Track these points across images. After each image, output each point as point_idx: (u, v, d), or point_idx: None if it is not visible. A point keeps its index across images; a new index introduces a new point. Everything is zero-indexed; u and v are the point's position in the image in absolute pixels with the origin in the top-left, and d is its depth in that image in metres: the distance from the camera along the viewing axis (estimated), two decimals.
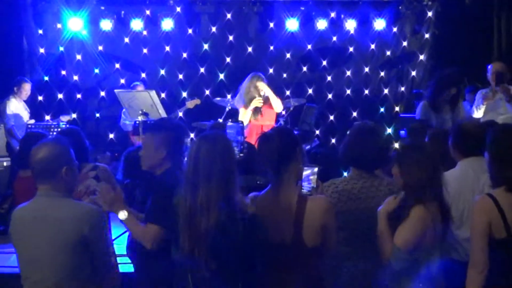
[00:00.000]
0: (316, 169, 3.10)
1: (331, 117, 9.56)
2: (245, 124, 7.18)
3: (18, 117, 7.99)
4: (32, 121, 8.18)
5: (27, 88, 8.14)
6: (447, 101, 5.61)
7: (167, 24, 8.97)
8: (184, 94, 9.25)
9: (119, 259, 3.40)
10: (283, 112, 7.74)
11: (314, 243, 2.82)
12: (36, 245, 2.78)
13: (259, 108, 7.15)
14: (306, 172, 3.06)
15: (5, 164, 8.18)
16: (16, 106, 8.00)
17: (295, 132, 3.08)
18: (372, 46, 9.53)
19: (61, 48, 9.03)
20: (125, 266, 3.99)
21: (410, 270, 2.88)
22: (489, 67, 6.63)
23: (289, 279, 2.83)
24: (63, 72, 9.17)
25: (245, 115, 7.20)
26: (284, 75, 9.46)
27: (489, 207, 2.94)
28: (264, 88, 7.13)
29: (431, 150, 3.03)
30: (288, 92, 9.18)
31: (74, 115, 8.98)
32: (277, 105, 7.22)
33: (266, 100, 7.19)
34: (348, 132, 3.46)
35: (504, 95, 6.29)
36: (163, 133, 3.33)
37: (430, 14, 9.42)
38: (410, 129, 5.31)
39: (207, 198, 2.64)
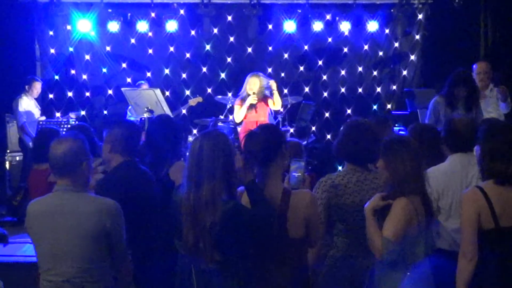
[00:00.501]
0: (303, 163, 3.02)
1: (327, 114, 9.54)
2: (240, 120, 7.14)
3: (30, 114, 7.96)
4: (43, 118, 8.17)
5: (37, 86, 8.12)
6: (460, 99, 5.50)
7: (171, 26, 8.93)
8: (187, 92, 9.22)
9: None
10: (281, 109, 7.70)
11: (298, 235, 2.83)
12: (55, 238, 2.73)
13: (253, 104, 7.04)
14: (293, 166, 3.01)
15: (17, 158, 8.19)
16: (28, 104, 7.98)
17: (292, 128, 3.06)
18: (366, 47, 9.49)
19: (71, 49, 8.99)
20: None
21: (399, 261, 2.85)
22: (474, 66, 6.49)
23: (277, 270, 2.81)
24: (73, 72, 9.14)
25: (239, 112, 7.13)
26: (282, 74, 9.42)
27: (478, 198, 2.93)
28: (255, 84, 6.96)
29: (415, 145, 3.00)
30: (285, 91, 9.17)
31: (83, 112, 8.98)
32: (272, 103, 7.05)
33: (262, 97, 7.06)
34: (341, 129, 3.44)
35: (502, 95, 6.24)
36: (111, 129, 3.37)
37: (420, 16, 9.39)
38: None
39: (212, 193, 2.60)
